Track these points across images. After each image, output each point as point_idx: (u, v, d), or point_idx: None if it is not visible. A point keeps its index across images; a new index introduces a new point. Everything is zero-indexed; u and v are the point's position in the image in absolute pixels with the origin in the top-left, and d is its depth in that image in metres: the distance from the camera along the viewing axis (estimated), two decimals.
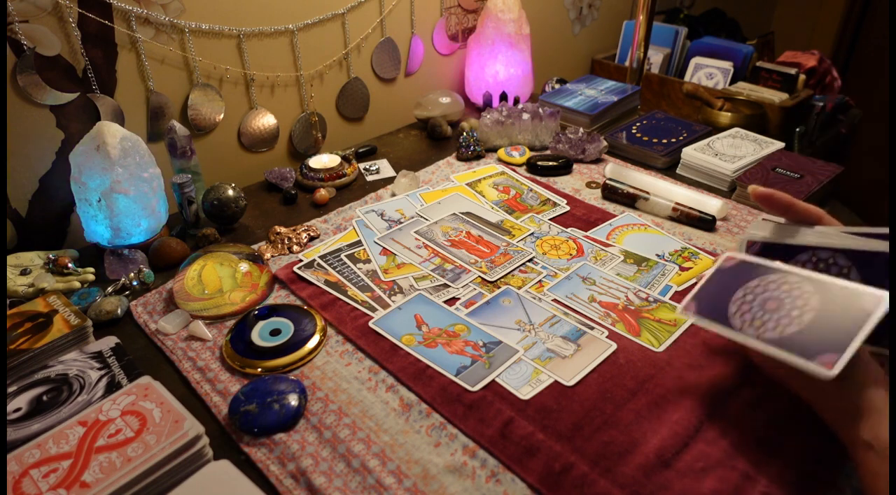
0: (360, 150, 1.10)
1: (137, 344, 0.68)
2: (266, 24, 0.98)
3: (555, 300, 0.72)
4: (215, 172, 1.01)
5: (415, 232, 0.84)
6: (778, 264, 0.54)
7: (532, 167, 1.02)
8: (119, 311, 0.71)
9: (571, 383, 0.60)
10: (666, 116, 1.17)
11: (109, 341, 0.65)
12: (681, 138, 1.07)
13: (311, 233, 0.85)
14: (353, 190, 0.99)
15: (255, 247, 0.84)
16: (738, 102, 1.36)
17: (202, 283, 0.72)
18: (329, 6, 1.05)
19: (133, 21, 0.85)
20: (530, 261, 0.78)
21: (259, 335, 0.66)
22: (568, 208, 0.91)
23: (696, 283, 0.74)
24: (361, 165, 1.06)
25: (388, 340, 0.66)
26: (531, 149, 1.10)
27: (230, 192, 0.87)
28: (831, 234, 0.54)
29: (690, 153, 1.00)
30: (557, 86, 1.32)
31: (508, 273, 0.76)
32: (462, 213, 0.89)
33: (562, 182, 1.00)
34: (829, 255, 0.54)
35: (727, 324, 0.53)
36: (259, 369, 0.63)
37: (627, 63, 1.37)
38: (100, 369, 0.61)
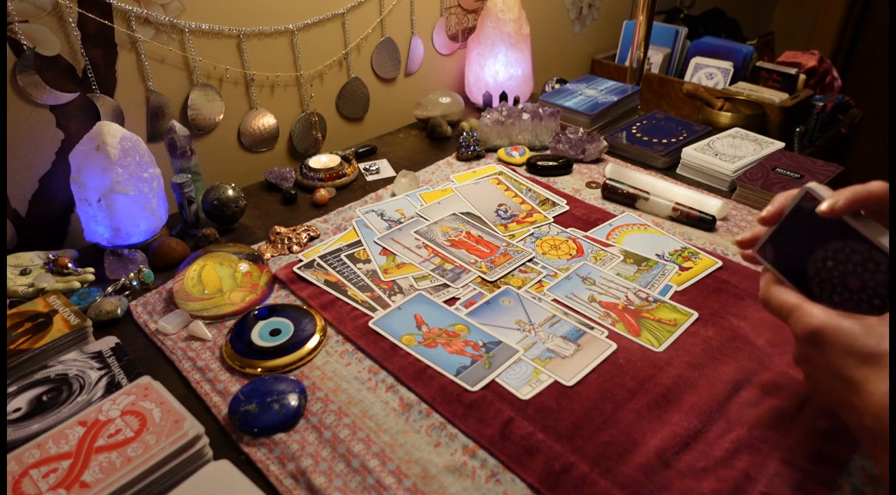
0: (360, 150, 1.10)
1: (137, 344, 0.68)
2: (266, 24, 0.98)
3: (555, 300, 0.72)
4: (215, 172, 1.01)
5: (415, 232, 0.84)
6: (865, 229, 0.46)
7: (532, 167, 1.02)
8: (119, 311, 0.71)
9: (571, 383, 0.60)
10: (666, 116, 1.17)
11: (109, 341, 0.65)
12: (681, 138, 1.07)
13: (311, 233, 0.85)
14: (353, 190, 0.99)
15: (255, 247, 0.84)
16: (738, 102, 1.36)
17: (202, 283, 0.72)
18: (329, 6, 1.05)
19: (133, 21, 0.85)
20: (530, 261, 0.78)
21: (259, 335, 0.66)
22: (568, 208, 0.91)
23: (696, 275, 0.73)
24: (361, 165, 1.06)
25: (388, 340, 0.66)
26: (531, 149, 1.10)
27: (230, 192, 0.87)
28: (880, 229, 0.46)
29: (690, 153, 1.00)
30: (557, 86, 1.32)
31: (508, 273, 0.76)
32: (462, 213, 0.89)
33: (562, 182, 1.00)
34: (865, 249, 0.46)
35: (806, 287, 0.49)
36: (259, 369, 0.63)
37: (627, 63, 1.37)
38: (100, 369, 0.61)
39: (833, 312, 0.45)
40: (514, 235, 0.84)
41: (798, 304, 0.47)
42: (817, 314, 0.45)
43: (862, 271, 0.47)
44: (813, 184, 0.49)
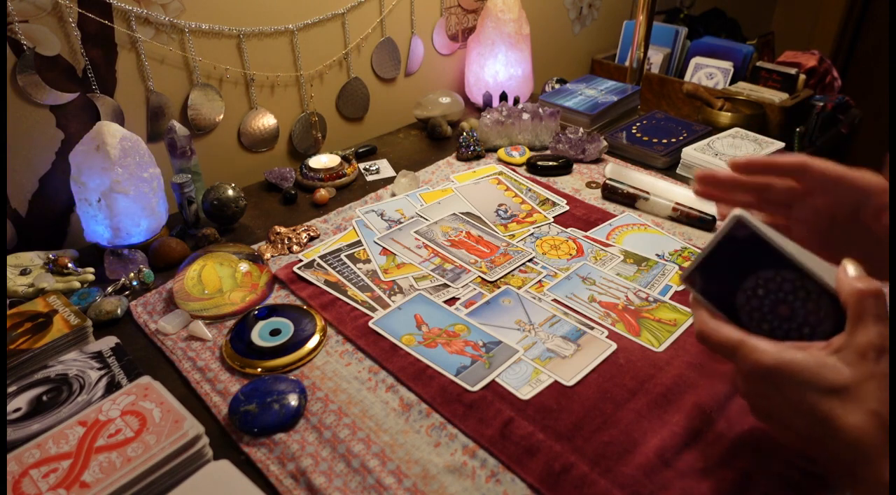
0: (360, 150, 1.10)
1: (137, 344, 0.68)
2: (266, 24, 0.98)
3: (555, 300, 0.72)
4: (215, 172, 1.01)
5: (414, 232, 0.84)
6: (797, 258, 0.46)
7: (532, 167, 1.02)
8: (119, 311, 0.71)
9: (571, 383, 0.60)
10: (666, 116, 1.17)
11: (109, 341, 0.65)
12: (681, 138, 1.07)
13: (311, 233, 0.85)
14: (353, 190, 0.99)
15: (255, 247, 0.84)
16: (738, 102, 1.36)
17: (202, 283, 0.72)
18: (329, 6, 1.05)
19: (133, 21, 0.85)
20: (530, 261, 0.78)
21: (259, 335, 0.66)
22: (568, 208, 0.91)
23: None
24: (361, 165, 1.06)
25: (387, 340, 0.66)
26: (531, 149, 1.10)
27: (230, 192, 0.87)
28: (810, 257, 0.47)
29: (690, 153, 1.00)
30: (557, 86, 1.32)
31: (508, 273, 0.76)
32: (462, 213, 0.89)
33: (562, 182, 1.00)
34: (796, 277, 0.47)
35: (734, 315, 0.49)
36: (259, 369, 0.63)
37: (627, 63, 1.37)
38: (100, 369, 0.61)
39: (781, 346, 0.43)
40: (514, 235, 0.84)
41: (742, 340, 0.45)
42: (767, 350, 0.43)
43: (793, 299, 0.47)
44: (741, 212, 0.49)
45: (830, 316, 0.45)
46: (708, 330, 0.48)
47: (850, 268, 0.44)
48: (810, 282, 0.46)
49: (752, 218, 0.48)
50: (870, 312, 0.41)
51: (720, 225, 0.50)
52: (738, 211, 0.49)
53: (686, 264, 0.77)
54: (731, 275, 0.49)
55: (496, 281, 0.75)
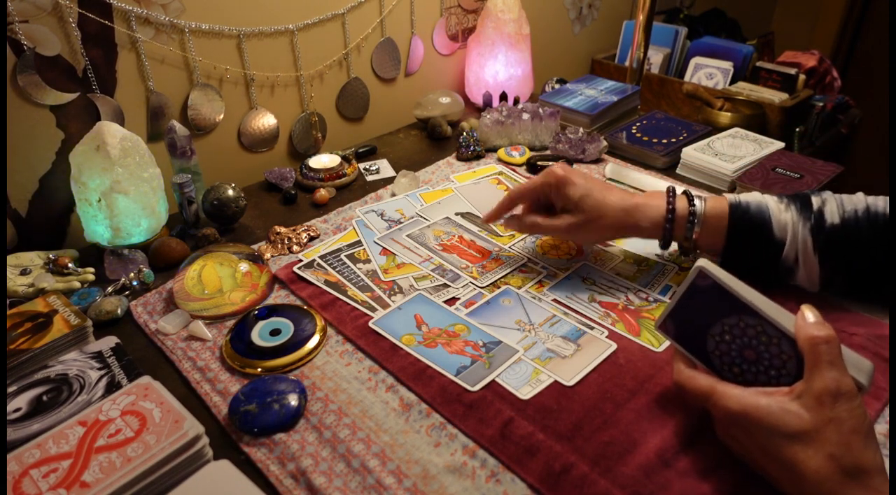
0: (360, 150, 1.10)
1: (137, 344, 0.68)
2: (266, 24, 0.98)
3: (555, 300, 0.72)
4: (215, 172, 1.01)
5: (406, 236, 0.84)
6: (756, 305, 0.49)
7: (532, 167, 1.02)
8: (119, 311, 0.71)
9: (571, 383, 0.60)
10: (666, 116, 1.17)
11: (109, 341, 0.65)
12: (681, 138, 1.07)
13: (311, 233, 0.85)
14: (353, 190, 0.99)
15: (255, 247, 0.84)
16: (738, 102, 1.36)
17: (202, 283, 0.72)
18: (329, 6, 1.05)
19: (133, 21, 0.85)
20: (523, 265, 0.78)
21: (259, 335, 0.66)
22: None
23: None
24: (361, 165, 1.06)
25: (388, 340, 0.66)
26: (531, 149, 1.10)
27: (230, 192, 0.87)
28: (769, 304, 0.50)
29: (690, 153, 1.00)
30: (557, 86, 1.32)
31: (500, 278, 0.76)
32: (459, 215, 0.89)
33: None
34: (758, 323, 0.49)
35: (707, 360, 0.53)
36: (259, 369, 0.63)
37: (627, 63, 1.37)
38: (100, 369, 0.61)
39: (748, 392, 0.47)
40: (514, 234, 0.84)
41: (712, 388, 0.49)
42: (733, 395, 0.47)
43: (757, 344, 0.50)
44: (704, 262, 0.52)
45: (793, 357, 0.48)
46: (682, 379, 0.52)
47: (809, 315, 0.48)
48: (770, 328, 0.49)
49: (714, 267, 0.52)
50: (824, 359, 0.45)
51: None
52: (700, 262, 0.52)
53: (686, 264, 0.77)
54: (699, 322, 0.53)
55: (486, 286, 0.74)
